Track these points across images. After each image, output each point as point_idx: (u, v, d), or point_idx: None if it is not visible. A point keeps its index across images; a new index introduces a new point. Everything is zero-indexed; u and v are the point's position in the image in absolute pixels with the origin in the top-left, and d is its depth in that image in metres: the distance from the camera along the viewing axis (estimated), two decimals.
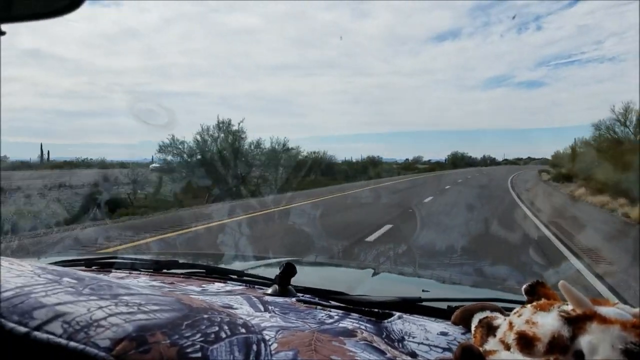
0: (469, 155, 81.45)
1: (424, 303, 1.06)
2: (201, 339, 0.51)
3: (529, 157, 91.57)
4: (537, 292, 0.72)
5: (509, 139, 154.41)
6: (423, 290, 1.15)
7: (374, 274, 1.62)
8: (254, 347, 0.57)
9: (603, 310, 0.56)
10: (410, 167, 54.54)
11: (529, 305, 0.66)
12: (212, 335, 0.53)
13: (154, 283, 1.17)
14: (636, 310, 0.58)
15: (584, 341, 0.53)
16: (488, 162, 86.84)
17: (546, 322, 0.56)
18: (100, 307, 0.51)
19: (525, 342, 0.55)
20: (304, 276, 1.19)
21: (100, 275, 0.65)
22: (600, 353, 0.52)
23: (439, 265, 6.04)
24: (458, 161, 73.69)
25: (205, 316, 0.56)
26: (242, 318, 0.63)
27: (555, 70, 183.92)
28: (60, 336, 0.45)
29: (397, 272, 2.92)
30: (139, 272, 1.25)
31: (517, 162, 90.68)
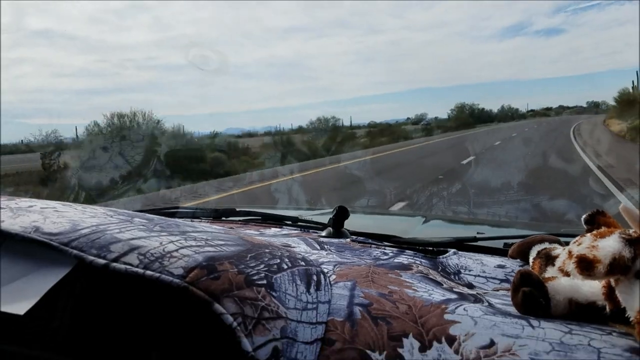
0: (480, 107, 55.63)
1: (479, 243, 1.05)
2: (265, 268, 0.55)
3: (560, 106, 77.60)
4: (597, 221, 0.70)
5: (532, 90, 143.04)
6: (478, 233, 1.14)
7: (425, 222, 1.63)
8: (314, 277, 0.61)
9: None
10: (387, 132, 30.98)
11: (588, 234, 0.65)
12: (275, 266, 0.56)
13: (216, 226, 1.20)
14: None
15: None
16: (509, 115, 61.56)
17: (607, 245, 0.55)
18: (172, 241, 0.55)
19: (586, 264, 0.54)
20: (356, 222, 1.23)
21: (167, 218, 0.70)
22: None
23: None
24: (465, 118, 47.06)
25: (267, 250, 0.60)
26: (300, 254, 0.67)
27: (574, 16, 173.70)
28: (137, 266, 0.49)
29: (448, 219, 2.94)
30: (199, 220, 1.30)
31: (546, 113, 72.08)
